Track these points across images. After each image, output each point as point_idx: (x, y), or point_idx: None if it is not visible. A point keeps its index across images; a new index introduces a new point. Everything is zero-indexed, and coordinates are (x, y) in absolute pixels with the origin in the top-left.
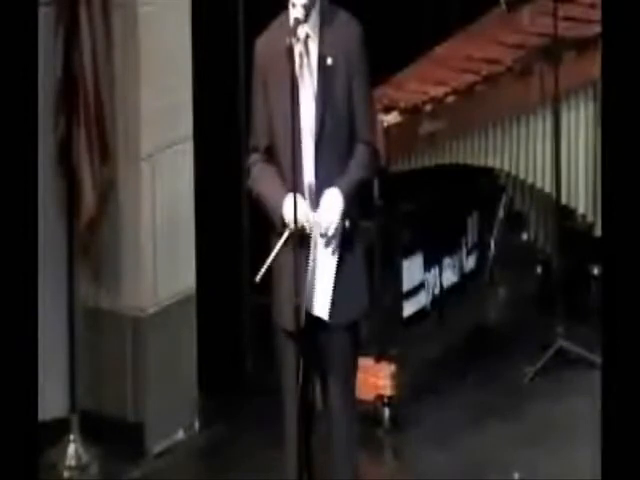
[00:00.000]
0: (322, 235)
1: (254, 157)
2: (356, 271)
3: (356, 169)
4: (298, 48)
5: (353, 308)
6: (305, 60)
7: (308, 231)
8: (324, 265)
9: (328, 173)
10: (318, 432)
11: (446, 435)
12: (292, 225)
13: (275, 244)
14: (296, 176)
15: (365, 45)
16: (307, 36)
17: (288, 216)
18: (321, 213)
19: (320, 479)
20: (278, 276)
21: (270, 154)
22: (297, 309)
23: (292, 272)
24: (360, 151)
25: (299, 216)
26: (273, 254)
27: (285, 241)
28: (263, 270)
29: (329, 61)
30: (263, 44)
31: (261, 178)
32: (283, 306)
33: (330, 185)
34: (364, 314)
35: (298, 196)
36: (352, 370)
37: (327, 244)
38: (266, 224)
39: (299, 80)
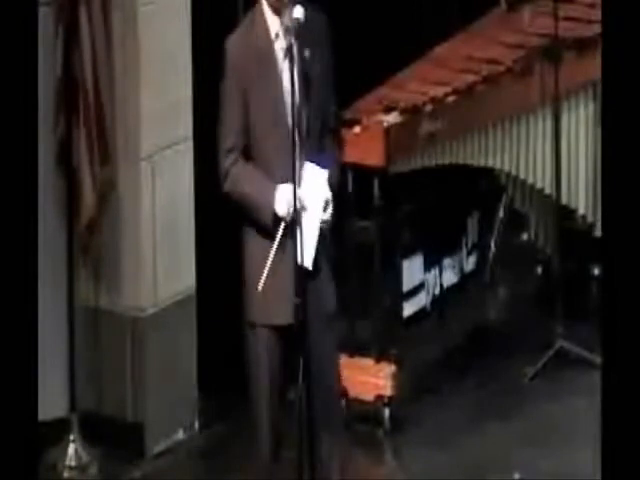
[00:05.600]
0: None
1: (231, 158)
2: (327, 268)
3: (335, 162)
4: (279, 44)
5: (327, 304)
6: (286, 55)
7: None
8: (309, 229)
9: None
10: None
11: (446, 435)
12: (289, 210)
13: (254, 243)
14: (294, 167)
15: (330, 32)
16: (277, 35)
17: (281, 208)
18: (316, 190)
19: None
20: (258, 272)
21: (248, 154)
22: (297, 308)
23: (283, 268)
24: (331, 143)
25: (291, 205)
26: (271, 256)
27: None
28: (264, 277)
29: (306, 53)
30: (235, 44)
31: (244, 178)
32: (272, 301)
33: None
34: (335, 309)
35: (288, 186)
36: (334, 368)
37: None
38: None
39: (283, 76)
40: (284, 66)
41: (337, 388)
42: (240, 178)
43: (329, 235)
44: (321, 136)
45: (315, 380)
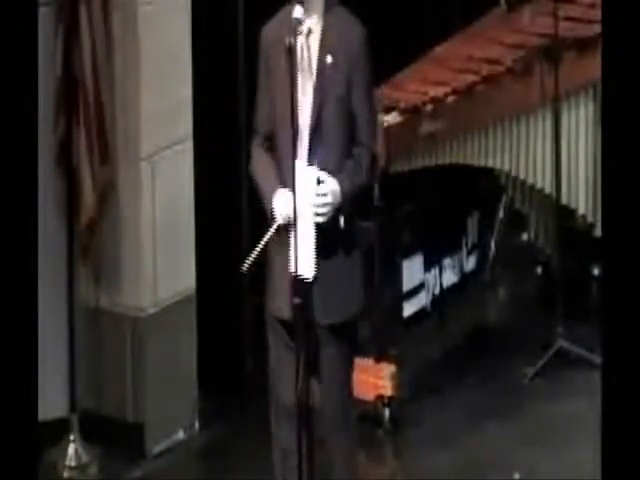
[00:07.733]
0: (314, 212)
1: (256, 140)
2: (353, 271)
3: (355, 172)
4: (300, 42)
5: (347, 308)
6: (306, 55)
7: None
8: (305, 234)
9: (323, 170)
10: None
11: (446, 435)
12: (280, 220)
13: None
14: (293, 168)
15: (368, 48)
16: (309, 32)
17: (277, 210)
18: (319, 192)
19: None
20: (271, 266)
21: (270, 139)
22: (296, 308)
23: (283, 264)
24: (359, 154)
25: (288, 211)
26: (261, 244)
27: (274, 232)
28: (250, 260)
29: (329, 59)
30: (269, 32)
31: (258, 165)
32: (276, 295)
33: None
34: (358, 315)
35: (288, 192)
36: (347, 371)
37: (312, 218)
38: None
39: (300, 74)
40: (301, 65)
41: (348, 389)
42: (257, 164)
43: (353, 240)
44: (344, 147)
45: (326, 381)
